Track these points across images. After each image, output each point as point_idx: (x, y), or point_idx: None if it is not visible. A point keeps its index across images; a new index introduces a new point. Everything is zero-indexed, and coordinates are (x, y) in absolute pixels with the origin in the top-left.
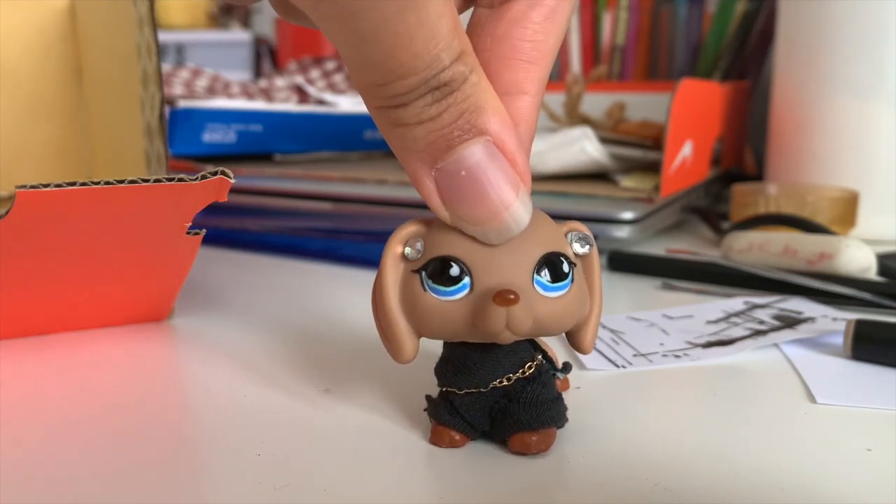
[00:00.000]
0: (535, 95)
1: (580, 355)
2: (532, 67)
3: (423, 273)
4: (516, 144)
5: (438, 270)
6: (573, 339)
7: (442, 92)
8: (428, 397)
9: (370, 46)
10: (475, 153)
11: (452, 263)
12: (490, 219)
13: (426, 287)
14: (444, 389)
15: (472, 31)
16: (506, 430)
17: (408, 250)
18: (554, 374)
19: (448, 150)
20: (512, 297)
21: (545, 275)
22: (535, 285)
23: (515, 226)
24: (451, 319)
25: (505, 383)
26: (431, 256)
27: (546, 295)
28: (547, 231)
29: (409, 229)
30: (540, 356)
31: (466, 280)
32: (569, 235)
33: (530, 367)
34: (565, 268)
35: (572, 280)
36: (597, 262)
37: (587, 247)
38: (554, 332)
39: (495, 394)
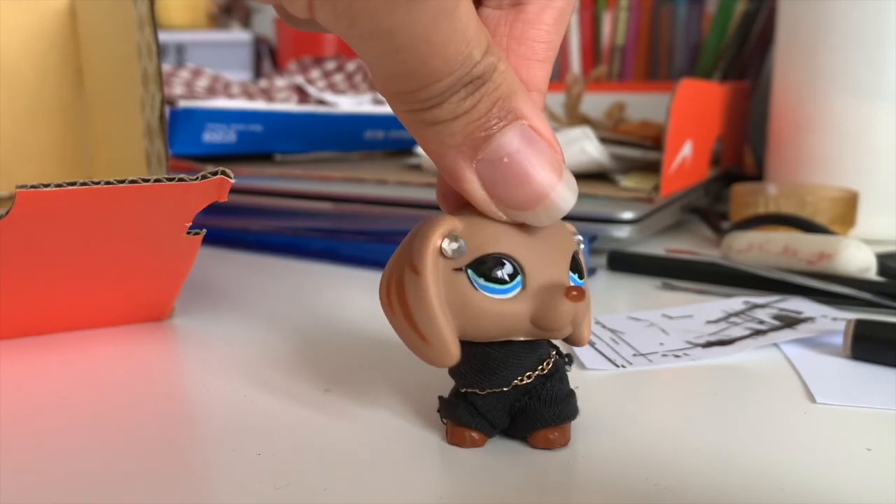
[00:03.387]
0: (544, 92)
1: (580, 355)
2: (545, 66)
3: (471, 271)
4: (549, 126)
5: (492, 269)
6: (572, 336)
7: (475, 85)
8: (441, 399)
9: (405, 57)
10: (514, 139)
11: (505, 261)
12: (538, 200)
13: (476, 286)
14: (464, 390)
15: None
16: (527, 427)
17: (450, 245)
18: (567, 369)
19: (487, 138)
20: (577, 293)
21: (575, 272)
22: (571, 281)
23: (564, 204)
24: (508, 318)
25: (526, 381)
26: (479, 254)
27: None
28: (563, 230)
29: (447, 224)
30: (554, 352)
31: (519, 278)
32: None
33: (548, 364)
34: (582, 265)
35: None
36: (583, 258)
37: (581, 244)
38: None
39: (517, 392)
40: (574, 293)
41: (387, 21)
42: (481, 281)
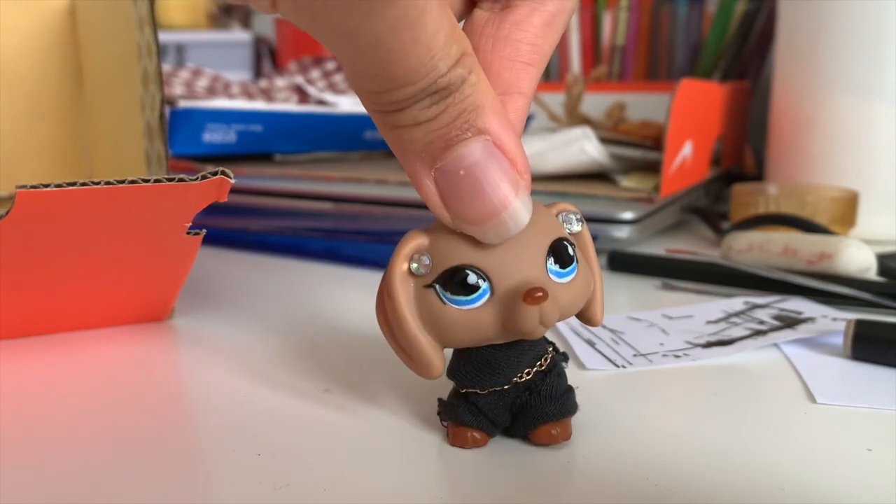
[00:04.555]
0: (529, 96)
1: (581, 356)
2: (530, 69)
3: (438, 286)
4: (516, 143)
5: (455, 281)
6: (584, 315)
7: (440, 95)
8: (441, 401)
9: (366, 60)
10: (473, 152)
11: (468, 272)
12: (489, 218)
13: (444, 300)
14: (464, 391)
15: (472, 31)
16: (529, 424)
17: (414, 266)
18: (563, 364)
19: (446, 149)
20: (540, 294)
21: (556, 263)
22: (550, 275)
23: (514, 225)
24: (478, 327)
25: (525, 378)
26: (443, 268)
27: (561, 282)
28: (544, 218)
29: (411, 244)
30: (551, 348)
31: (485, 285)
32: (560, 217)
33: (546, 360)
34: (570, 251)
35: (577, 261)
36: (588, 235)
37: (580, 224)
38: (571, 315)
39: (517, 389)
40: (537, 294)
41: (344, 23)
42: (448, 294)
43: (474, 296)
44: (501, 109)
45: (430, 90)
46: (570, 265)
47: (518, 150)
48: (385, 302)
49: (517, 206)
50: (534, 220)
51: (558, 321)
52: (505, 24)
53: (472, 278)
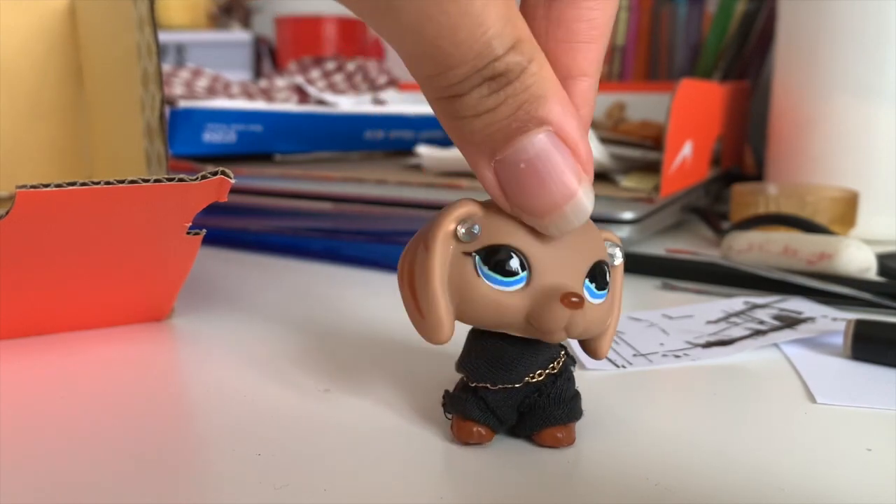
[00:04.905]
0: (594, 76)
1: (581, 355)
2: (591, 47)
3: (478, 258)
4: (579, 133)
5: (498, 259)
6: (589, 345)
7: (498, 83)
8: (447, 393)
9: (414, 38)
10: (535, 144)
11: (513, 254)
12: (551, 210)
13: (480, 273)
14: (473, 385)
15: (525, 17)
16: (535, 425)
17: (462, 230)
18: (573, 368)
19: (507, 141)
20: (577, 300)
21: (592, 282)
22: (585, 291)
23: (576, 218)
24: (503, 310)
25: (537, 378)
26: (489, 242)
27: (592, 301)
28: (595, 236)
29: (464, 208)
30: (563, 352)
31: (524, 274)
32: (605, 243)
33: (558, 363)
34: (607, 277)
35: (608, 290)
36: (622, 272)
37: (620, 259)
38: (587, 337)
39: (528, 389)
40: (574, 299)
41: None
42: (485, 269)
43: (512, 279)
44: (565, 97)
45: (487, 74)
46: (603, 290)
47: (581, 139)
48: (417, 254)
49: (580, 198)
50: (587, 234)
51: (577, 337)
52: (555, 5)
53: (514, 262)
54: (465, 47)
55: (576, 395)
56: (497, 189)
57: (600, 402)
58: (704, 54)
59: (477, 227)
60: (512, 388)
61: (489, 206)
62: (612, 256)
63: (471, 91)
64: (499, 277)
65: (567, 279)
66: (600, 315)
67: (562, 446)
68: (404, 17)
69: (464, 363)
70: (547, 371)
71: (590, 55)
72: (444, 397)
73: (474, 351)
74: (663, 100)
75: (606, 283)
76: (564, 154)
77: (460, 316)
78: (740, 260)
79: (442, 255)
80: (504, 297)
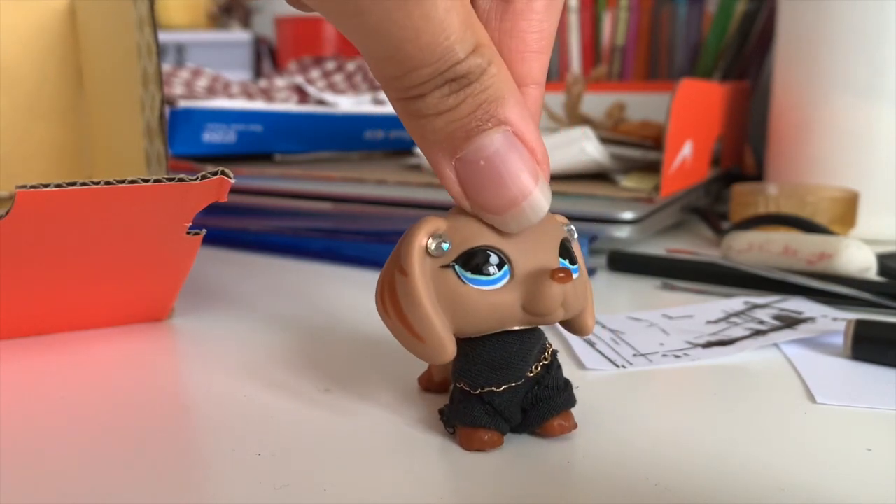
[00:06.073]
0: (542, 84)
1: (581, 355)
2: (540, 57)
3: (458, 266)
4: (535, 133)
5: (478, 262)
6: (577, 323)
7: (459, 84)
8: (445, 408)
9: (378, 40)
10: (494, 142)
11: (491, 253)
12: (509, 206)
13: (464, 280)
14: (477, 392)
15: None
16: (539, 418)
17: (433, 245)
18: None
19: (467, 139)
20: (563, 275)
21: (566, 258)
22: (560, 265)
23: (533, 215)
24: (499, 308)
25: (535, 371)
26: (464, 249)
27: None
28: (550, 219)
29: (431, 223)
30: (548, 342)
31: (506, 268)
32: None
33: (548, 353)
34: (573, 253)
35: (577, 264)
36: (579, 249)
37: (575, 234)
38: (579, 311)
39: (528, 384)
40: (561, 275)
41: (352, 1)
42: (468, 274)
43: (496, 276)
44: (522, 100)
45: (449, 76)
46: (575, 264)
47: (537, 140)
48: (396, 282)
49: (537, 196)
50: (546, 218)
51: (572, 313)
52: (508, 16)
53: (494, 259)
54: (428, 51)
55: (568, 383)
56: (457, 188)
57: (600, 402)
58: (704, 54)
59: (444, 239)
60: (516, 386)
61: (451, 217)
62: (570, 232)
63: (433, 91)
64: (484, 278)
65: (546, 259)
66: (582, 288)
67: (567, 433)
68: (369, 20)
69: (463, 372)
70: (542, 363)
71: (538, 64)
72: (440, 413)
73: (471, 358)
74: (663, 100)
75: (575, 259)
76: (522, 153)
77: (458, 329)
78: (740, 260)
79: (422, 273)
80: (495, 295)
